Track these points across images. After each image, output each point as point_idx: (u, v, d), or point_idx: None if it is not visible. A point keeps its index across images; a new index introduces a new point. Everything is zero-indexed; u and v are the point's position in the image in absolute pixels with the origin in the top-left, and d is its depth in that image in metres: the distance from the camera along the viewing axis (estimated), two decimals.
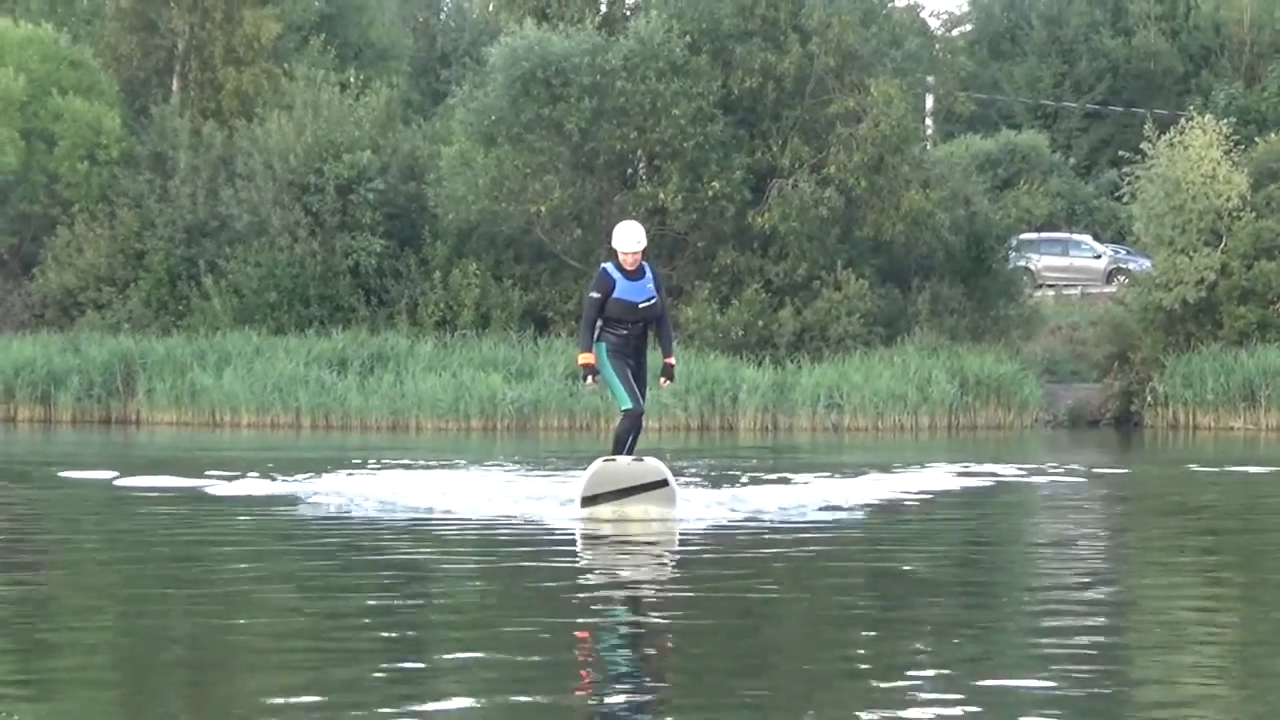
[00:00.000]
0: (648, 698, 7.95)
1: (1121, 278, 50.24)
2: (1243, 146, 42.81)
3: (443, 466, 23.38)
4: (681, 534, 14.83)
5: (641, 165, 43.65)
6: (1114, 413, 42.14)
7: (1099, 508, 19.47)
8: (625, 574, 12.52)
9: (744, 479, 20.92)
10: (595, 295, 15.86)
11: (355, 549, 13.74)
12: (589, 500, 15.75)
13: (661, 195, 41.42)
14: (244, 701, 7.79)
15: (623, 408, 15.98)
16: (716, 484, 19.82)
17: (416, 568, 12.58)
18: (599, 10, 45.51)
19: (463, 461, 24.75)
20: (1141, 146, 42.41)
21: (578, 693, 8.02)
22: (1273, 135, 45.80)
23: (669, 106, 41.12)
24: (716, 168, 41.75)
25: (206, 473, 20.73)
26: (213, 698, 7.96)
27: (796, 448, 32.30)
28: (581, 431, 37.50)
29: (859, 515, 16.58)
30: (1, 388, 41.25)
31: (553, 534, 14.92)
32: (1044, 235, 52.58)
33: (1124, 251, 52.97)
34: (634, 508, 15.63)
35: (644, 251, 16.04)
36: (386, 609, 10.42)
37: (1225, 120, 43.23)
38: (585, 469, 16.26)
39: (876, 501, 17.96)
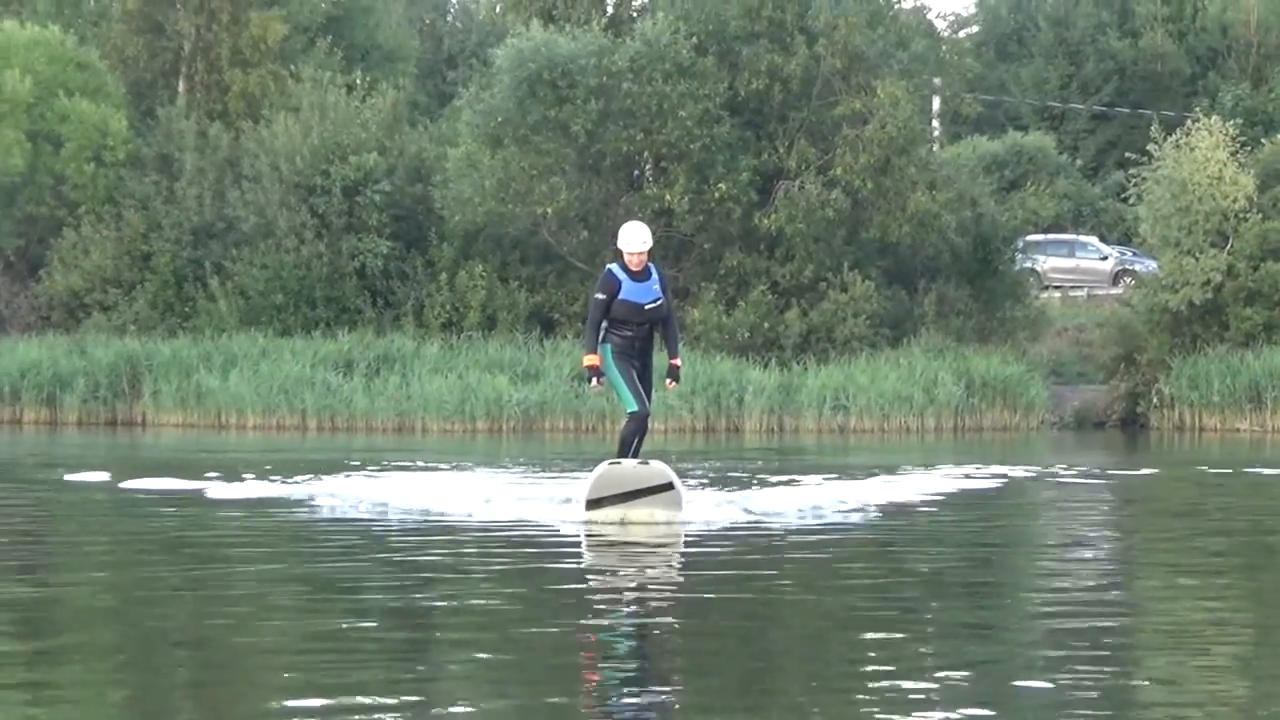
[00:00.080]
0: (654, 700, 7.92)
1: (1128, 279, 50.15)
2: (1249, 148, 42.77)
3: (450, 468, 23.36)
4: (688, 536, 14.80)
5: (648, 167, 43.64)
6: (1120, 414, 42.11)
7: (1109, 509, 19.43)
8: (631, 576, 12.49)
9: (751, 481, 20.89)
10: (601, 296, 15.78)
11: (357, 551, 13.72)
12: (593, 503, 15.63)
13: (668, 197, 41.40)
14: (251, 704, 7.78)
15: (628, 410, 15.90)
16: (723, 486, 19.79)
17: (420, 569, 12.56)
18: (605, 12, 45.53)
19: (468, 463, 24.73)
20: (1148, 148, 42.38)
21: (586, 694, 8.00)
22: (1279, 136, 45.75)
23: (675, 108, 41.11)
24: (723, 169, 41.74)
25: (206, 475, 20.70)
26: (220, 701, 7.94)
27: (802, 449, 32.28)
28: (587, 433, 37.49)
29: (867, 517, 16.54)
30: (8, 390, 41.28)
31: (556, 536, 14.90)
32: (1050, 237, 52.52)
33: (1130, 253, 52.90)
34: (639, 511, 15.55)
35: (650, 253, 15.97)
36: (391, 611, 10.41)
37: (1232, 121, 43.17)
38: (590, 471, 16.22)
39: (885, 503, 17.92)
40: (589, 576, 12.50)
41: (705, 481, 20.41)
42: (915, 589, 11.77)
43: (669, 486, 15.61)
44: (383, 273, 43.20)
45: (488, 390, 38.50)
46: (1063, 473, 23.86)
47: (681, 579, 12.38)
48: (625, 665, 8.96)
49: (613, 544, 14.50)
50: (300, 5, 51.77)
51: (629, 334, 15.86)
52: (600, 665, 8.86)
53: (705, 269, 42.48)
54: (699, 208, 41.63)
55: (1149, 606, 11.20)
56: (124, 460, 25.19)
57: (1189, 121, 42.94)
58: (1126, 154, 47.24)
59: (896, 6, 45.66)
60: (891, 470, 23.45)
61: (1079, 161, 63.92)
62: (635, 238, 15.81)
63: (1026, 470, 24.21)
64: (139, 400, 41.00)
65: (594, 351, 15.86)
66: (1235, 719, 7.58)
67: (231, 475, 20.67)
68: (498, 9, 59.23)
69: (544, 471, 22.92)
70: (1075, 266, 53.69)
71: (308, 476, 20.59)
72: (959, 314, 42.63)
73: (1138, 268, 50.10)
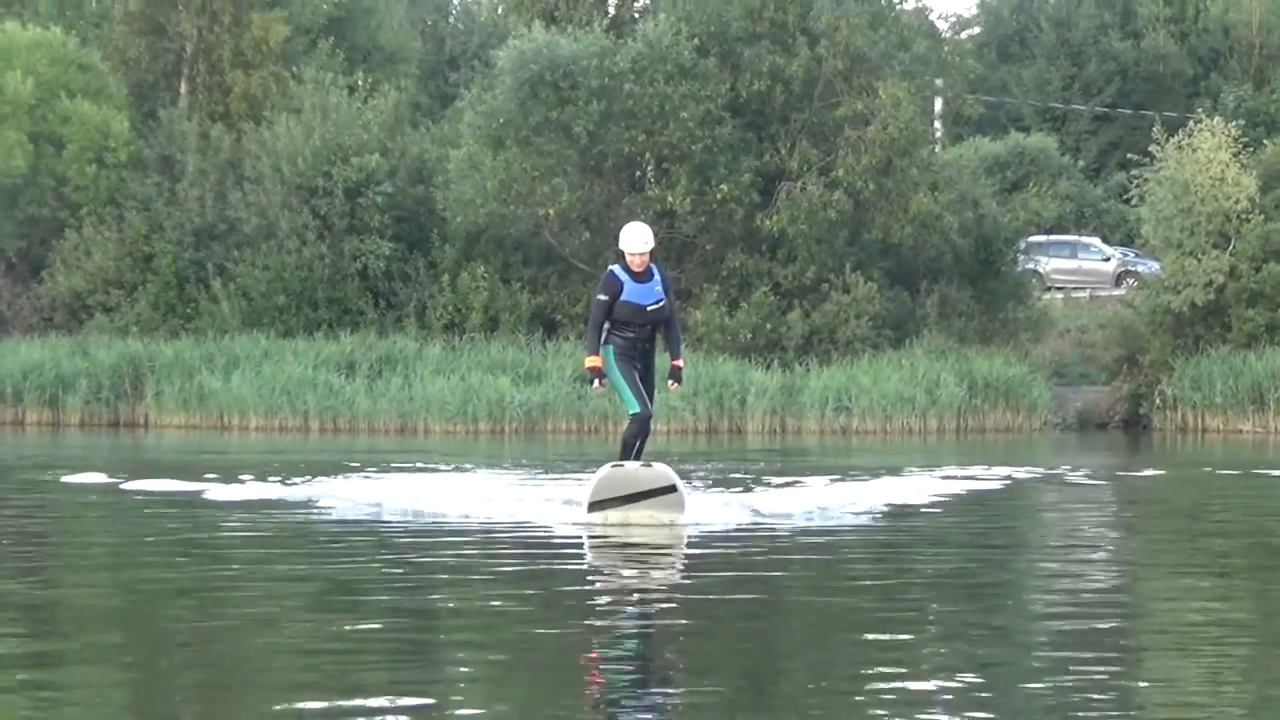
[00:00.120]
0: (659, 700, 7.91)
1: (1130, 280, 50.15)
2: (1251, 149, 42.79)
3: (450, 469, 23.35)
4: (692, 537, 14.78)
5: (650, 168, 43.65)
6: (1122, 415, 42.11)
7: (1113, 511, 19.42)
8: (633, 578, 12.48)
9: (753, 482, 20.88)
10: (603, 298, 15.73)
11: (358, 552, 13.70)
12: (595, 506, 15.58)
13: (670, 198, 41.41)
14: (256, 706, 7.76)
15: (630, 412, 15.86)
16: (726, 487, 19.77)
17: (424, 570, 12.54)
18: (607, 13, 45.55)
19: (468, 465, 24.72)
20: (1150, 149, 42.38)
21: (591, 696, 7.99)
22: None
23: (677, 109, 41.11)
24: (725, 170, 41.74)
25: (206, 476, 20.69)
26: (225, 703, 7.92)
27: (805, 451, 32.26)
28: (590, 435, 37.49)
29: (871, 519, 16.52)
30: (10, 391, 41.29)
31: (559, 537, 14.88)
32: (1053, 238, 52.54)
33: (1133, 254, 52.90)
34: (641, 514, 15.51)
35: (652, 254, 15.93)
36: (394, 612, 10.39)
37: (1234, 123, 43.18)
38: (593, 473, 16.18)
39: (887, 505, 17.90)
40: (593, 578, 12.49)
41: (710, 483, 20.39)
42: (920, 590, 11.76)
43: (671, 489, 15.56)
44: (385, 274, 43.20)
45: (490, 392, 38.50)
46: (1068, 474, 23.84)
47: (686, 581, 12.36)
48: (630, 666, 8.95)
49: (617, 545, 14.48)
50: (302, 6, 51.77)
51: (631, 335, 15.81)
52: (605, 666, 8.85)
53: (707, 270, 42.48)
54: (701, 209, 41.62)
55: (1154, 608, 11.19)
56: (126, 461, 25.18)
57: (1191, 123, 42.95)
58: (1129, 155, 47.25)
59: (898, 8, 45.67)
60: (895, 471, 23.43)
61: (1081, 162, 63.94)
62: (637, 239, 15.77)
63: (1030, 472, 24.19)
64: (141, 402, 41.01)
65: (596, 353, 15.80)
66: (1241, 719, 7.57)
67: (232, 477, 20.65)
68: (499, 10, 59.29)
69: (546, 473, 22.91)
70: (1077, 268, 53.69)
71: (306, 478, 20.57)
72: (961, 315, 42.62)
73: (1140, 269, 50.09)
